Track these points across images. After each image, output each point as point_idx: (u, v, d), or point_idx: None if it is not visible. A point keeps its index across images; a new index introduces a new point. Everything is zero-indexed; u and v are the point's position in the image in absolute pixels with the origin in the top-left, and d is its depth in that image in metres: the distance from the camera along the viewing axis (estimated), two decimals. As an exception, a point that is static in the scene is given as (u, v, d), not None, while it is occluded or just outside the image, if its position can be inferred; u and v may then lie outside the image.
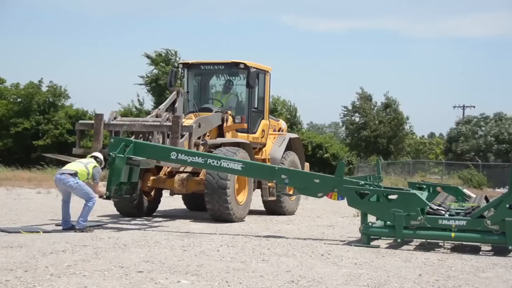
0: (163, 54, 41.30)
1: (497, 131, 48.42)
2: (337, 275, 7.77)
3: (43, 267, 7.72)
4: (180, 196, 16.12)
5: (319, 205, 18.65)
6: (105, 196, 11.65)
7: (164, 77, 38.74)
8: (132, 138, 12.50)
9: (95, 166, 11.48)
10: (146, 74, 41.52)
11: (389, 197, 10.61)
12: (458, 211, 10.59)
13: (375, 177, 12.52)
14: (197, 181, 13.76)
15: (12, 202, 17.50)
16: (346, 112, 55.20)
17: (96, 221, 12.82)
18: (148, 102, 42.72)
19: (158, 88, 40.28)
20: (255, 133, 15.22)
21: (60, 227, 11.49)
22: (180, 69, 15.64)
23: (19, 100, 41.73)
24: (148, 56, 41.25)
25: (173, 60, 40.79)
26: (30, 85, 42.51)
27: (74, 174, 11.24)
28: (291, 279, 7.44)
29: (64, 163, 12.38)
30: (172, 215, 15.00)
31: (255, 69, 14.71)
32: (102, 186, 11.70)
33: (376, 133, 51.21)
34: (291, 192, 14.09)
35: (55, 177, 11.55)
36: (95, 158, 11.72)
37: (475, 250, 10.26)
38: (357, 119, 54.10)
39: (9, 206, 16.15)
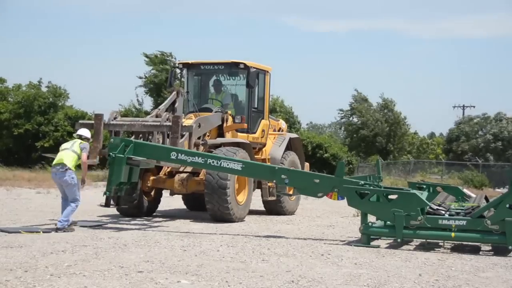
0: (158, 56, 41.69)
1: (497, 130, 48.43)
2: (337, 275, 7.77)
3: (43, 267, 7.72)
4: (180, 196, 16.13)
5: (319, 205, 18.65)
6: (103, 204, 11.87)
7: (162, 76, 39.05)
8: (132, 138, 12.51)
9: (81, 143, 11.55)
10: (145, 75, 41.80)
11: (389, 197, 10.62)
12: (458, 211, 10.58)
13: (375, 177, 12.53)
14: (197, 181, 13.77)
15: (12, 202, 17.50)
16: (343, 115, 55.42)
17: (96, 221, 12.83)
18: (148, 103, 42.86)
19: (156, 88, 40.48)
20: (255, 133, 15.23)
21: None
22: (179, 69, 15.65)
23: (20, 102, 41.69)
24: (146, 56, 41.56)
25: (169, 61, 41.16)
26: (31, 86, 42.50)
27: (68, 169, 11.28)
28: (291, 279, 7.44)
29: None
30: (172, 215, 15.00)
31: (255, 69, 14.71)
32: (86, 158, 11.54)
33: (374, 132, 51.30)
34: (291, 192, 14.09)
35: (51, 172, 11.64)
36: (80, 136, 11.81)
37: (475, 250, 10.26)
38: (355, 120, 54.21)
39: (9, 206, 16.14)
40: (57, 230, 11.14)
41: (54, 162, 11.52)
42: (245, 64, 14.67)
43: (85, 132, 11.97)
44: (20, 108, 41.13)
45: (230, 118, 14.51)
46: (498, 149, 47.51)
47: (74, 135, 12.01)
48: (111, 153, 11.60)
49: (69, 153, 11.42)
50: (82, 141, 11.69)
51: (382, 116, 52.79)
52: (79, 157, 11.38)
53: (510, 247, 9.70)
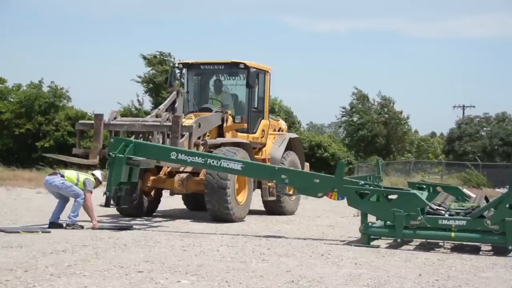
0: (157, 56, 41.76)
1: (503, 133, 48.27)
2: (337, 275, 7.77)
3: (43, 267, 7.72)
4: (180, 196, 16.13)
5: (319, 205, 18.64)
6: (103, 204, 11.90)
7: (161, 76, 39.11)
8: (132, 138, 12.51)
9: (87, 178, 11.77)
10: (144, 74, 41.93)
11: (389, 197, 10.62)
12: (458, 211, 10.58)
13: (375, 177, 12.52)
14: (197, 181, 13.77)
15: (12, 202, 17.50)
16: (344, 113, 55.26)
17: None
18: (148, 103, 42.88)
19: (155, 87, 40.58)
20: (255, 133, 15.23)
21: (60, 228, 11.51)
22: (179, 69, 15.65)
23: (20, 101, 41.66)
24: (144, 57, 41.70)
25: (168, 61, 41.26)
26: (32, 86, 42.48)
27: (62, 175, 11.59)
28: (291, 279, 7.44)
29: (65, 163, 12.49)
30: (172, 215, 15.00)
31: (255, 69, 14.71)
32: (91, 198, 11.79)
33: (373, 133, 51.25)
34: (291, 192, 14.09)
35: (44, 179, 11.82)
36: (93, 174, 12.06)
37: (475, 250, 10.26)
38: (355, 119, 54.14)
39: (9, 206, 16.14)
40: (65, 226, 11.38)
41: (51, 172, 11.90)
42: (245, 64, 14.67)
43: (98, 174, 12.15)
44: (21, 108, 41.11)
45: (230, 118, 14.51)
46: (505, 153, 47.36)
47: (89, 172, 12.26)
48: (111, 153, 11.61)
49: (72, 173, 11.78)
50: (89, 176, 11.87)
51: (380, 116, 52.69)
52: (77, 184, 11.57)
53: (510, 247, 9.70)
